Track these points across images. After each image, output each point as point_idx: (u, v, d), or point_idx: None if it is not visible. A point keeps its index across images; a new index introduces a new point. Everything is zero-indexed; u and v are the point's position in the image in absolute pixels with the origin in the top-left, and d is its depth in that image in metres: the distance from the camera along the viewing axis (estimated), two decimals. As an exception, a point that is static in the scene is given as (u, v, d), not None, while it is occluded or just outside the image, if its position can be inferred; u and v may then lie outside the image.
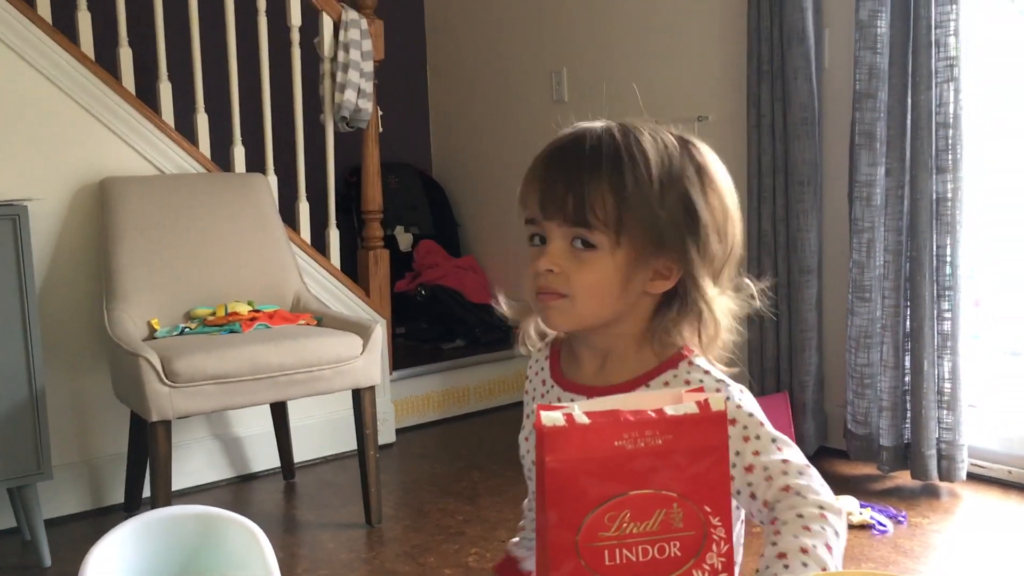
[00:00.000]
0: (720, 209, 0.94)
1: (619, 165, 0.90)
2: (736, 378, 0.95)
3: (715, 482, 0.61)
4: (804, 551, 0.73)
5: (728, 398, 0.89)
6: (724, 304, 0.94)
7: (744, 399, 0.90)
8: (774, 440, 0.87)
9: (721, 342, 0.94)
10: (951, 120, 2.52)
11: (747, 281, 0.97)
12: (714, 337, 0.93)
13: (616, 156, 0.90)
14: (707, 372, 0.94)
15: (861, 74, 2.66)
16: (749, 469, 0.85)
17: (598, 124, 0.95)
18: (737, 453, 0.86)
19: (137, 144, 2.78)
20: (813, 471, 0.85)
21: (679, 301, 0.93)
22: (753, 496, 0.84)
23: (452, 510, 2.66)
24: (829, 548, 0.75)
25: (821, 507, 0.78)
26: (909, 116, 2.60)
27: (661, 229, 0.90)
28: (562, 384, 1.01)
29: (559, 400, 0.98)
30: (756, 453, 0.86)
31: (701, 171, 0.94)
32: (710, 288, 0.92)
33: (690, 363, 0.94)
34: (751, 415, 0.88)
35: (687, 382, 0.92)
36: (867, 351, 2.74)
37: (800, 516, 0.77)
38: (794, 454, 0.86)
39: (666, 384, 0.93)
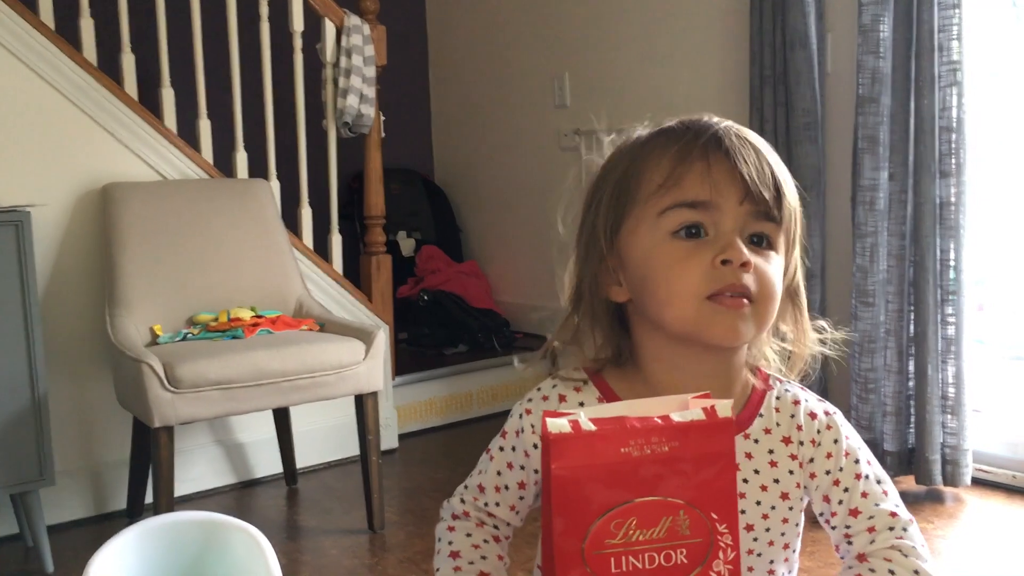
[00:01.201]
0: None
1: (778, 159, 0.84)
2: None
3: (722, 489, 0.61)
4: None
5: (831, 427, 0.87)
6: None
7: (851, 428, 0.88)
8: (880, 481, 0.86)
9: (806, 359, 0.89)
10: (954, 124, 2.51)
11: (823, 323, 0.93)
12: (802, 353, 0.89)
13: (772, 148, 0.85)
14: (806, 399, 0.88)
15: (864, 78, 2.65)
16: (854, 513, 0.83)
17: (684, 122, 0.86)
18: (846, 490, 0.84)
19: (140, 150, 2.78)
20: (915, 527, 0.84)
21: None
22: (848, 538, 0.83)
23: (455, 516, 2.65)
24: None
25: (916, 572, 0.79)
26: (912, 120, 2.60)
27: (796, 243, 0.85)
28: None
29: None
30: (865, 495, 0.84)
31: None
32: (803, 299, 0.88)
33: (780, 381, 0.88)
34: (860, 448, 0.86)
35: (796, 403, 0.87)
36: (871, 356, 2.73)
37: (892, 573, 0.79)
38: (898, 501, 0.86)
39: (777, 411, 0.86)
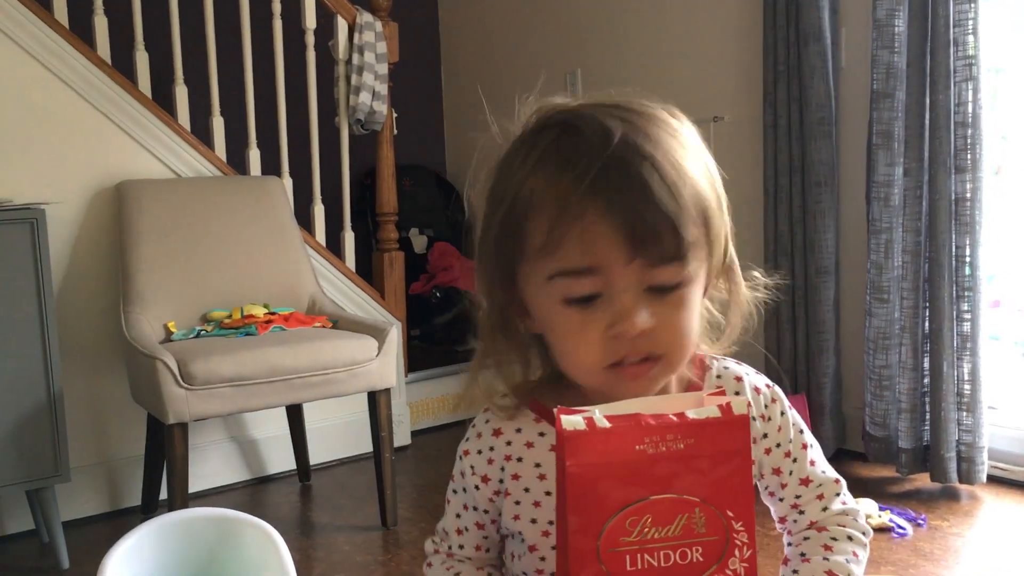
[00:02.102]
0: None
1: (684, 171, 0.71)
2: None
3: (738, 486, 0.60)
4: None
5: (775, 399, 0.86)
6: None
7: (787, 401, 0.88)
8: (818, 449, 0.87)
9: (737, 333, 0.82)
10: (970, 119, 2.49)
11: (756, 273, 0.85)
12: (739, 327, 0.82)
13: (675, 159, 0.71)
14: (747, 373, 0.86)
15: (878, 73, 2.64)
16: (805, 482, 0.84)
17: (593, 116, 0.73)
18: (795, 460, 0.85)
19: (153, 147, 2.79)
20: (844, 484, 0.87)
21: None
22: (798, 508, 0.84)
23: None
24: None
25: (864, 532, 0.83)
26: (927, 115, 2.58)
27: (722, 229, 0.76)
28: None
29: None
30: (812, 463, 0.85)
31: (707, 160, 0.78)
32: (740, 277, 0.81)
33: (719, 364, 0.85)
34: (797, 416, 0.87)
35: (738, 379, 0.84)
36: (885, 353, 2.71)
37: (850, 539, 0.82)
38: (827, 465, 0.87)
39: (720, 390, 0.81)
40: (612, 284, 0.70)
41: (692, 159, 0.73)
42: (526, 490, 0.81)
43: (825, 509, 0.83)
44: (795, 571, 0.80)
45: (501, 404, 0.83)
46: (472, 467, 0.84)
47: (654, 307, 0.71)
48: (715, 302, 0.81)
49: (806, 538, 0.82)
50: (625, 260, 0.69)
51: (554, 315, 0.73)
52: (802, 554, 0.81)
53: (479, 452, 0.84)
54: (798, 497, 0.84)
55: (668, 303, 0.71)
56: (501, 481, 0.83)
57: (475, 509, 0.86)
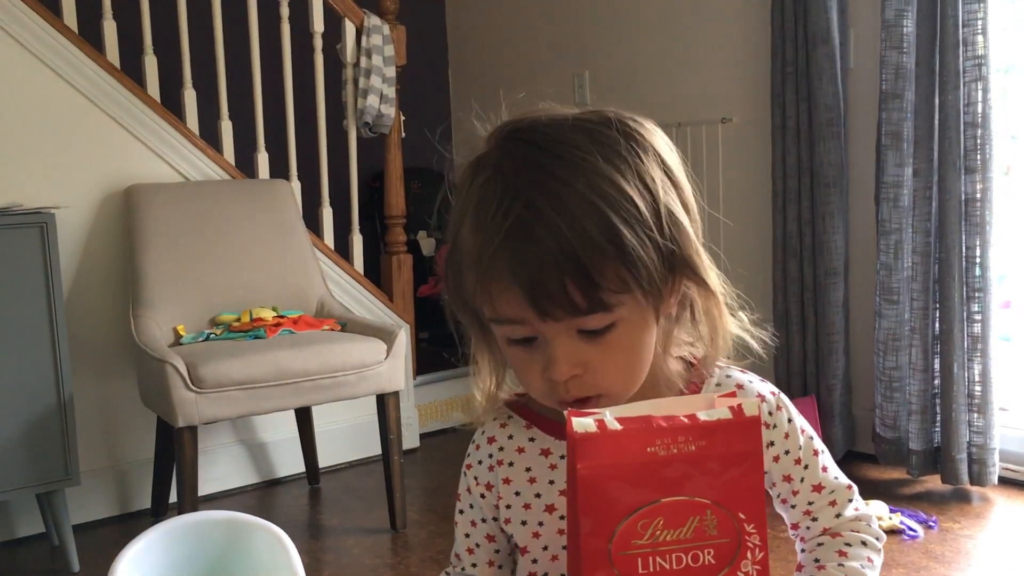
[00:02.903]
0: (687, 191, 0.78)
1: (602, 215, 0.69)
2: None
3: (749, 489, 0.60)
4: None
5: (781, 407, 0.84)
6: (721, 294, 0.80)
7: (794, 409, 0.87)
8: (828, 456, 0.87)
9: (729, 342, 0.81)
10: (979, 120, 2.48)
11: (742, 315, 0.83)
12: (725, 338, 0.80)
13: (589, 204, 0.70)
14: (750, 381, 0.85)
15: (887, 74, 2.63)
16: (818, 489, 0.84)
17: (506, 152, 0.74)
18: (806, 467, 0.84)
19: (162, 151, 2.80)
20: (856, 490, 0.87)
21: (685, 312, 0.79)
22: (811, 515, 0.84)
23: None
24: None
25: (878, 538, 0.83)
26: (937, 116, 2.57)
27: (670, 261, 0.74)
28: (557, 433, 0.82)
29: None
30: (824, 470, 0.85)
31: (665, 166, 0.76)
32: (715, 287, 0.78)
33: (721, 372, 0.84)
34: (805, 423, 0.86)
35: (740, 386, 0.83)
36: (895, 354, 2.71)
37: (864, 544, 0.82)
38: (839, 472, 0.87)
39: (731, 392, 0.81)
40: (541, 332, 0.72)
41: (616, 187, 0.71)
42: (516, 493, 0.83)
43: (838, 515, 0.83)
44: None
45: (495, 417, 0.86)
46: (476, 478, 0.86)
47: (588, 349, 0.72)
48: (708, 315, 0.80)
49: (820, 544, 0.82)
50: (539, 319, 0.71)
51: (505, 349, 0.77)
52: (816, 560, 0.80)
53: (479, 462, 0.86)
54: (811, 504, 0.83)
55: (601, 345, 0.72)
56: (499, 491, 0.85)
57: (484, 521, 0.87)
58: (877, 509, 2.44)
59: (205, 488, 2.72)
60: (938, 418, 2.66)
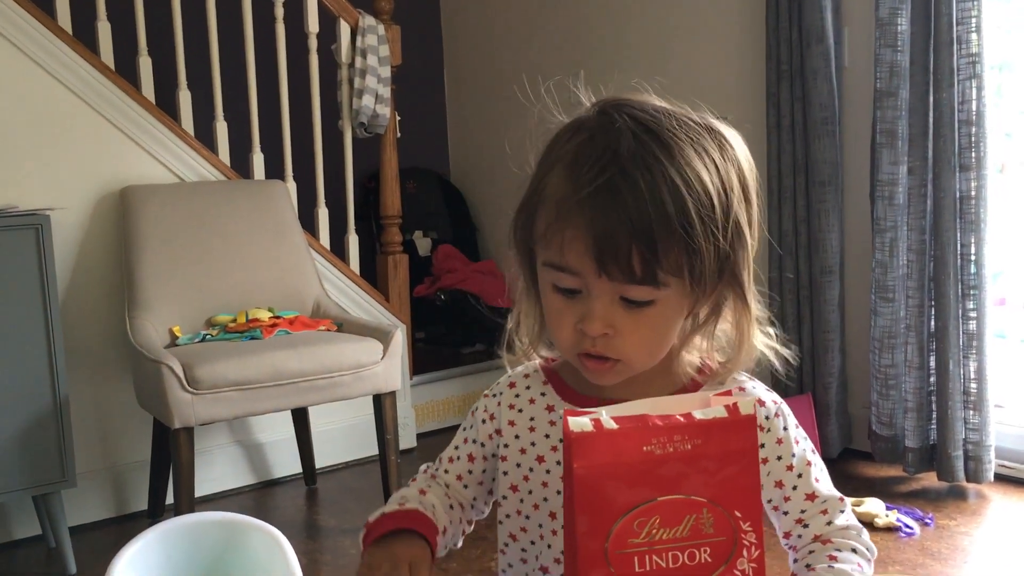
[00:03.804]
0: (755, 210, 0.83)
1: (682, 198, 0.75)
2: (759, 381, 0.92)
3: (745, 487, 0.60)
4: None
5: (780, 415, 0.86)
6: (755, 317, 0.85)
7: (794, 420, 0.88)
8: (822, 468, 0.88)
9: (752, 355, 0.85)
10: (974, 117, 2.49)
11: (771, 331, 0.87)
12: (749, 351, 0.84)
13: (674, 185, 0.75)
14: (754, 387, 0.87)
15: (882, 72, 2.63)
16: (811, 497, 0.85)
17: (611, 121, 0.79)
18: (799, 475, 0.85)
19: (157, 153, 2.80)
20: (848, 503, 0.88)
21: (715, 318, 0.84)
22: (803, 523, 0.85)
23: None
24: None
25: (868, 549, 0.84)
26: (931, 114, 2.57)
27: (723, 263, 0.79)
28: (580, 402, 0.87)
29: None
30: (817, 480, 0.86)
31: (743, 180, 0.82)
32: (751, 303, 0.83)
33: (728, 376, 0.86)
34: (804, 434, 0.88)
35: (741, 390, 0.85)
36: (891, 352, 2.71)
37: (855, 551, 0.83)
38: (831, 486, 0.88)
39: (727, 391, 0.83)
40: (588, 287, 0.77)
41: (700, 181, 0.77)
42: (516, 436, 0.90)
43: (829, 523, 0.84)
44: None
45: (525, 369, 0.93)
46: (486, 408, 0.93)
47: (623, 316, 0.77)
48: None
49: (811, 551, 0.83)
50: (595, 274, 0.76)
51: (546, 295, 0.82)
52: (808, 565, 0.81)
53: (493, 396, 0.94)
54: (803, 512, 0.85)
55: (636, 316, 0.77)
56: (500, 426, 0.92)
57: (474, 441, 0.93)
58: (873, 506, 2.45)
59: (202, 489, 2.72)
60: (934, 415, 2.66)
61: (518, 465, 0.89)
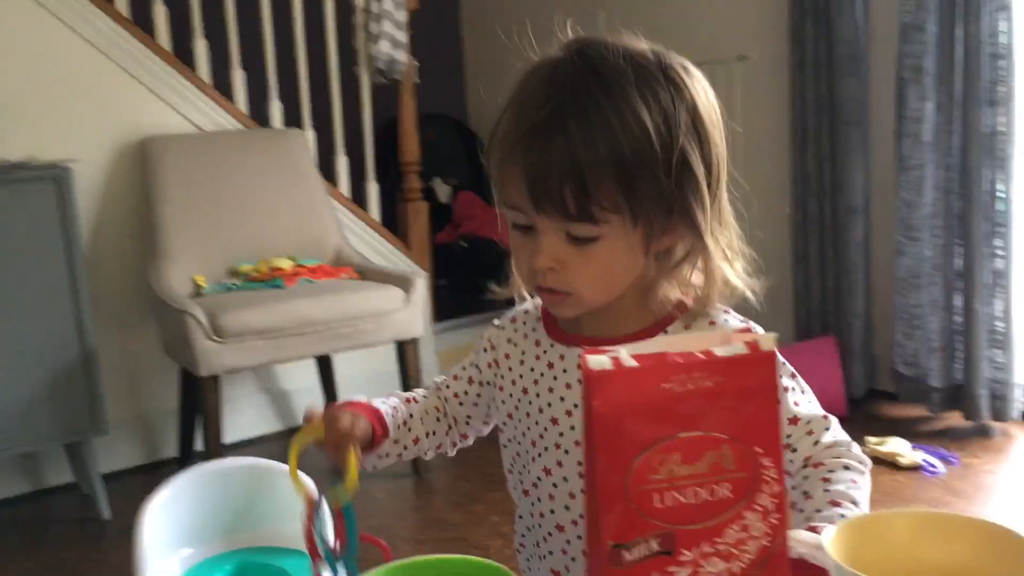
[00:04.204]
0: (714, 149, 0.82)
1: (615, 139, 0.77)
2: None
3: (765, 423, 0.60)
4: (855, 503, 0.77)
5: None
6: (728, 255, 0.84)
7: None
8: (804, 391, 0.87)
9: (719, 291, 0.85)
10: (1003, 51, 2.43)
11: (738, 266, 0.86)
12: (717, 291, 0.85)
13: (608, 126, 0.77)
14: (726, 320, 0.88)
15: (908, 6, 2.57)
16: (794, 421, 0.85)
17: (564, 62, 0.81)
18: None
19: (175, 103, 2.79)
20: (834, 420, 0.87)
21: (685, 256, 0.84)
22: (790, 447, 0.84)
23: (497, 459, 2.68)
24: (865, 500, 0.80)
25: (861, 462, 0.83)
26: (959, 48, 2.52)
27: (669, 201, 0.79)
28: (563, 339, 0.90)
29: (562, 358, 0.90)
30: (797, 404, 0.86)
31: (694, 113, 0.81)
32: (715, 244, 0.82)
33: (699, 310, 0.87)
34: (784, 363, 0.87)
35: (712, 323, 0.87)
36: (916, 291, 2.69)
37: (847, 468, 0.82)
38: (816, 406, 0.87)
39: (687, 327, 0.86)
40: (535, 223, 0.80)
41: (638, 121, 0.77)
42: (510, 369, 0.95)
43: (816, 443, 0.84)
44: (801, 510, 0.80)
45: (530, 304, 0.96)
46: (490, 338, 0.98)
47: (571, 251, 0.80)
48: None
49: (805, 477, 0.83)
50: (534, 211, 0.79)
51: (508, 231, 0.85)
52: (804, 492, 0.81)
53: (500, 328, 0.97)
54: (788, 436, 0.84)
55: (583, 252, 0.80)
56: (498, 356, 0.96)
57: (475, 367, 0.98)
58: (898, 446, 2.45)
59: (229, 436, 2.76)
60: (959, 355, 2.65)
61: (511, 395, 0.94)
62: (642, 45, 0.83)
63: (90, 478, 2.42)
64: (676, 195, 0.79)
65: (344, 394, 3.02)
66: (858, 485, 0.80)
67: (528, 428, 0.93)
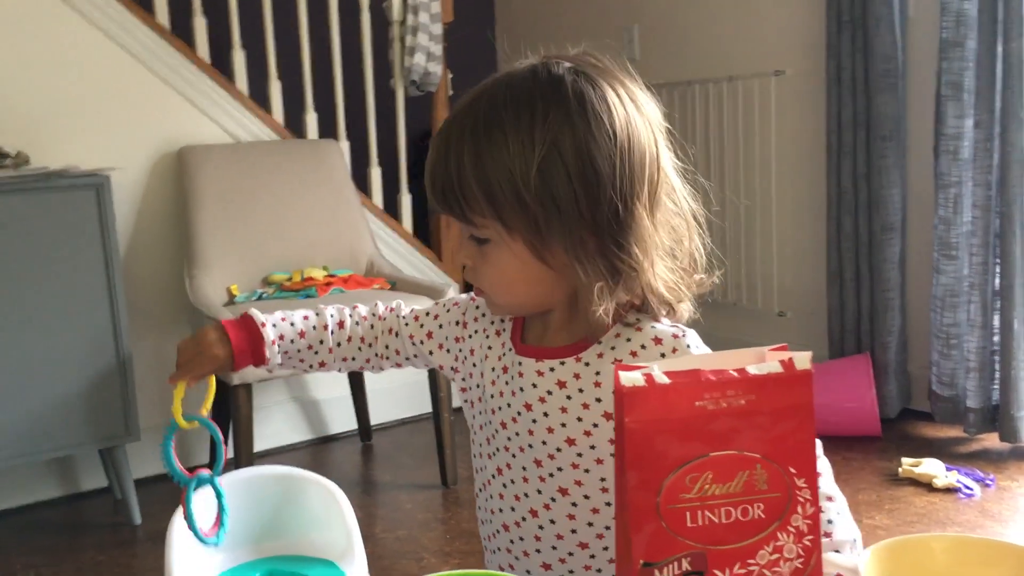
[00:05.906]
0: (612, 156, 0.80)
1: (479, 162, 0.80)
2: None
3: (800, 443, 0.59)
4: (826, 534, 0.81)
5: (677, 349, 0.85)
6: (659, 264, 0.84)
7: (703, 347, 0.87)
8: None
9: (664, 300, 0.85)
10: (1045, 68, 2.40)
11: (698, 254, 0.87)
12: (654, 301, 0.85)
13: (476, 130, 0.81)
14: (658, 321, 0.87)
15: (948, 22, 2.54)
16: None
17: (491, 80, 0.85)
18: None
19: (213, 113, 2.82)
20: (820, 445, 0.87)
21: (605, 268, 0.82)
22: None
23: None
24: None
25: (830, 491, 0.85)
26: (999, 65, 2.49)
27: (535, 215, 0.80)
28: (517, 347, 0.92)
29: (518, 364, 0.91)
30: None
31: (580, 140, 0.80)
32: (637, 251, 0.81)
33: (637, 315, 0.87)
34: None
35: (639, 330, 0.86)
36: (953, 310, 2.65)
37: (830, 499, 0.84)
38: None
39: (617, 336, 0.86)
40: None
41: (505, 144, 0.80)
42: (475, 364, 0.98)
43: None
44: None
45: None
46: (449, 310, 1.02)
47: (475, 252, 0.87)
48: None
49: None
50: (440, 210, 0.87)
51: None
52: None
53: (482, 314, 0.98)
54: None
55: (483, 253, 0.86)
56: (447, 336, 1.02)
57: (440, 327, 1.02)
58: (933, 467, 2.41)
59: (260, 444, 2.78)
60: (997, 375, 2.60)
61: (471, 375, 0.98)
62: (566, 63, 0.84)
63: (123, 483, 2.44)
64: (542, 213, 0.80)
65: (375, 404, 3.04)
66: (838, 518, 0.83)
67: (483, 425, 0.97)
